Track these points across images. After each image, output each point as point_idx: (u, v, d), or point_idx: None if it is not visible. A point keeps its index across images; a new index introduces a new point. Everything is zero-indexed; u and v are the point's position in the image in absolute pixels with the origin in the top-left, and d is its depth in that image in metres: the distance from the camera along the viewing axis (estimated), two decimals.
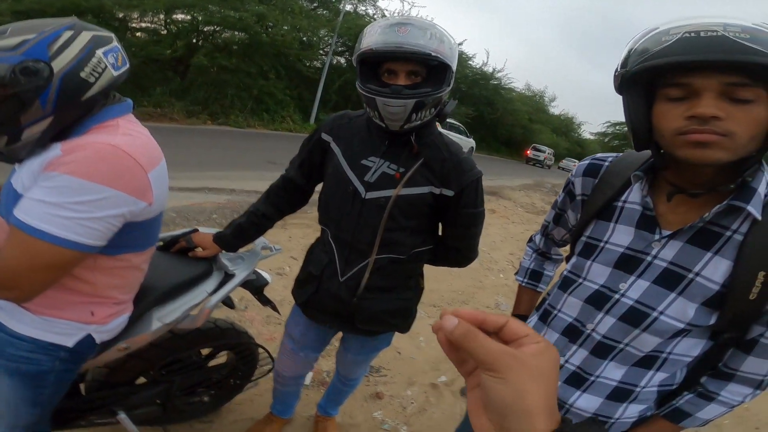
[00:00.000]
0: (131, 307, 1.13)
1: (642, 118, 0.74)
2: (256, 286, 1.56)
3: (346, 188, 1.23)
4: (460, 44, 24.48)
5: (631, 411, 0.89)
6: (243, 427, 1.90)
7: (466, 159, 1.22)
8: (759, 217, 0.71)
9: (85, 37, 0.88)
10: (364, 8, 16.37)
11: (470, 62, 22.46)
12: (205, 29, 12.22)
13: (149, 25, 12.05)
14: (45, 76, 0.82)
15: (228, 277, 1.43)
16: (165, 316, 1.24)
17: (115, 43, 0.94)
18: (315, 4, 15.54)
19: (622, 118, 0.81)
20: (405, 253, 1.28)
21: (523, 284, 1.24)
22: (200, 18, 11.43)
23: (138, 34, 11.90)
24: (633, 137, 0.78)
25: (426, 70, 1.11)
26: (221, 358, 1.74)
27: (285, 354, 1.61)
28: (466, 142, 17.29)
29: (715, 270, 0.75)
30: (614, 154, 0.95)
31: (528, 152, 27.39)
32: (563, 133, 38.17)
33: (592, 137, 42.26)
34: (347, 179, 1.22)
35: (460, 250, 1.36)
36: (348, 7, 15.01)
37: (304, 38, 13.70)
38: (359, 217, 1.22)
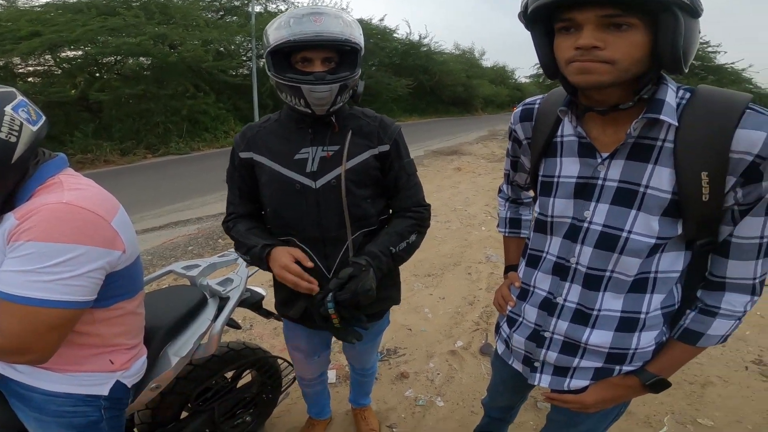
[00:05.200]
0: (144, 349, 1.16)
1: (547, 52, 0.81)
2: (252, 302, 1.58)
3: (292, 188, 1.22)
4: (381, 20, 24.49)
5: (646, 339, 0.90)
6: None
7: (384, 116, 1.32)
8: (675, 123, 0.76)
9: None
10: (275, 6, 15.92)
11: (395, 35, 22.65)
12: (103, 60, 11.59)
13: (39, 68, 11.24)
14: None
15: (224, 300, 1.46)
16: (179, 350, 1.28)
17: (21, 97, 0.90)
18: (221, 13, 14.95)
19: None
20: (375, 222, 1.29)
21: (507, 234, 1.27)
22: (93, 51, 10.73)
23: (30, 79, 11.00)
24: (543, 70, 0.84)
25: (338, 55, 1.17)
26: (247, 377, 1.77)
27: (299, 363, 1.63)
28: None
29: (660, 179, 0.78)
30: (541, 96, 1.01)
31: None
32: (501, 83, 39.24)
33: (527, 80, 43.79)
34: (289, 180, 1.22)
35: (413, 201, 1.32)
36: (258, 8, 14.53)
37: (221, 48, 13.16)
38: (318, 207, 1.22)
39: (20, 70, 10.88)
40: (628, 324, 0.89)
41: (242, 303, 1.52)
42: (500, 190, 1.29)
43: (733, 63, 21.28)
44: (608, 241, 0.85)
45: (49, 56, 10.76)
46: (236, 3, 14.95)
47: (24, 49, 9.51)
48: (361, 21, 21.60)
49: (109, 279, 0.94)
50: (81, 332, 0.96)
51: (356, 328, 1.20)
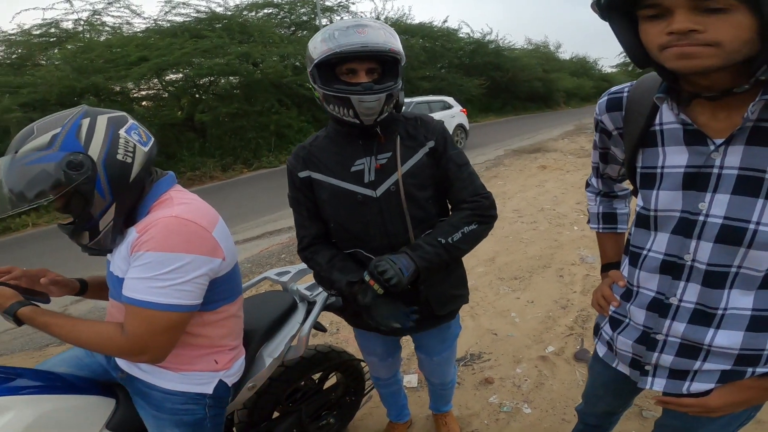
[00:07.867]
0: (243, 350, 1.25)
1: (632, 41, 0.75)
2: (338, 306, 1.63)
3: (354, 200, 1.25)
4: (444, 21, 24.10)
5: None
6: None
7: (423, 114, 1.36)
8: None
9: (102, 121, 0.96)
10: (339, 17, 16.32)
11: (460, 35, 22.18)
12: (200, 82, 12.40)
13: (149, 91, 12.27)
14: (90, 166, 0.91)
15: (311, 304, 1.53)
16: (273, 352, 1.37)
17: (132, 121, 1.01)
18: (293, 29, 15.72)
19: None
20: (435, 224, 1.29)
21: (600, 230, 1.20)
22: (191, 73, 11.56)
23: (144, 103, 12.06)
24: (632, 60, 0.77)
25: (380, 65, 1.20)
26: (332, 380, 1.84)
27: (373, 365, 1.69)
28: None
29: None
30: (629, 84, 0.95)
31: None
32: (583, 74, 36.78)
33: (614, 70, 40.72)
34: (350, 192, 1.25)
35: (468, 192, 1.29)
36: (324, 21, 14.99)
37: (297, 63, 13.57)
38: (382, 215, 1.25)
39: (135, 95, 12.09)
40: (761, 323, 0.81)
41: (328, 307, 1.58)
42: (588, 184, 1.22)
43: None
44: (732, 235, 0.77)
45: (157, 80, 11.83)
46: (304, 18, 15.69)
47: (136, 75, 10.28)
48: (423, 24, 20.81)
49: (212, 284, 1.03)
50: (193, 334, 1.07)
51: (403, 315, 1.23)
